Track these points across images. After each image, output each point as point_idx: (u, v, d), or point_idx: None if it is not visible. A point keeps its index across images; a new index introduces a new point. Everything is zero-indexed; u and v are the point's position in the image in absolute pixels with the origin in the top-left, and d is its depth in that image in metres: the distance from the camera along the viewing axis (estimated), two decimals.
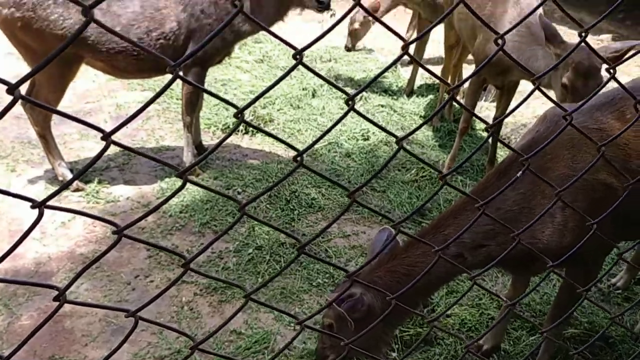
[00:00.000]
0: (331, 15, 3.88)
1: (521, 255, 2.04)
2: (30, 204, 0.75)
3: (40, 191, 3.87)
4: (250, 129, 4.84)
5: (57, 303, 0.80)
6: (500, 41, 1.07)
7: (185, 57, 0.83)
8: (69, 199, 3.82)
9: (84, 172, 0.77)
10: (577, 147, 2.18)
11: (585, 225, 1.81)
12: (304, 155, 0.94)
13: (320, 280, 3.38)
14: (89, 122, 0.75)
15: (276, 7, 3.85)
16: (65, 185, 0.83)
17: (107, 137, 0.72)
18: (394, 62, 1.05)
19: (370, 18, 6.35)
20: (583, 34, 1.18)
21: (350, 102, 0.90)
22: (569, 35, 8.19)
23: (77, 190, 3.90)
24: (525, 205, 2.17)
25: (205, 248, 0.91)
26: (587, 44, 1.21)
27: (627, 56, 2.00)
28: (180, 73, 0.82)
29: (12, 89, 0.59)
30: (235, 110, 0.82)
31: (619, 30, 8.25)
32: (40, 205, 0.70)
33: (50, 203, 0.74)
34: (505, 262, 1.84)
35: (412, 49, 6.50)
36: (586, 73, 3.04)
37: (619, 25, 8.29)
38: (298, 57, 0.83)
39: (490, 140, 4.61)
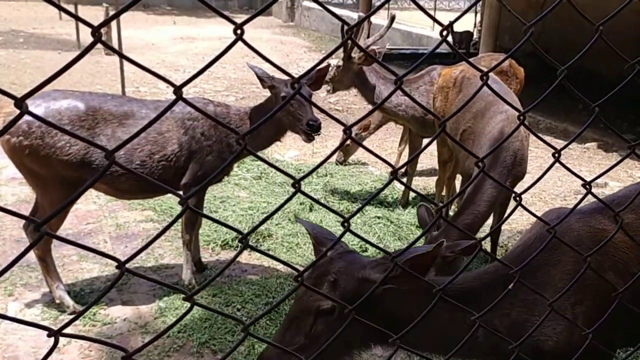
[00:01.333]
0: (317, 135, 4.06)
1: (530, 355, 2.01)
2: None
3: (36, 315, 3.82)
4: (249, 243, 4.87)
5: None
6: (480, 164, 1.15)
7: (195, 190, 0.89)
8: (65, 322, 3.76)
9: (99, 300, 0.80)
10: (584, 245, 2.21)
11: (594, 324, 1.82)
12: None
13: None
14: (104, 252, 0.80)
15: (274, 131, 4.04)
16: (77, 316, 0.86)
17: (121, 265, 0.76)
18: (383, 188, 1.12)
19: (363, 134, 6.64)
20: (556, 155, 1.27)
21: (345, 224, 0.96)
22: (555, 144, 8.51)
23: (73, 313, 3.85)
24: (538, 298, 2.15)
25: None
26: (561, 163, 1.30)
27: (610, 166, 2.13)
28: (183, 194, 0.88)
29: (38, 226, 0.64)
30: (239, 235, 0.87)
31: (603, 138, 8.58)
32: (55, 334, 0.73)
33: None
34: None
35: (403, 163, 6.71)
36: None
37: (603, 134, 8.63)
38: (297, 185, 0.90)
39: (489, 247, 4.66)
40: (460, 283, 2.12)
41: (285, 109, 3.86)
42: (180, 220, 4.35)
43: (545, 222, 1.47)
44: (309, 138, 3.95)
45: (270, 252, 4.86)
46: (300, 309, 1.87)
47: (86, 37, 13.03)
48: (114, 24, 8.61)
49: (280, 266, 4.68)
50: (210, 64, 0.81)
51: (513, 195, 1.29)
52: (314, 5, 20.38)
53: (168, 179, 3.84)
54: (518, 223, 5.65)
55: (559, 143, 8.38)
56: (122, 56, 0.75)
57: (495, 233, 4.67)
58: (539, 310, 2.10)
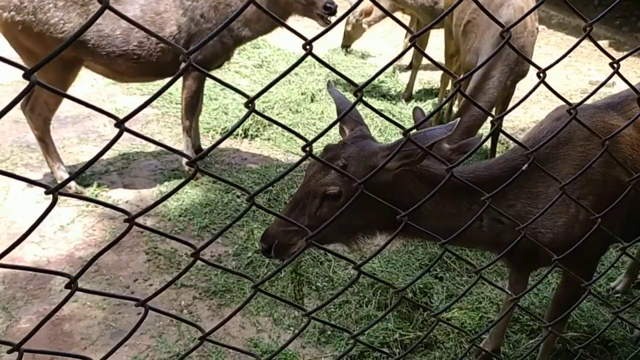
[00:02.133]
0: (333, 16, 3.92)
1: (528, 245, 2.05)
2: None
3: (39, 194, 3.86)
4: (250, 132, 4.85)
5: (69, 290, 0.80)
6: (505, 34, 1.08)
7: (200, 44, 0.83)
8: (67, 202, 3.82)
9: (95, 161, 0.77)
10: (592, 139, 2.18)
11: (595, 220, 1.83)
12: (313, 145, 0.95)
13: (320, 283, 3.38)
14: (102, 109, 0.76)
15: (278, 14, 3.87)
16: (73, 177, 0.83)
17: (120, 123, 0.72)
18: (404, 52, 1.06)
19: (363, 22, 6.37)
20: (587, 28, 1.20)
21: (358, 94, 0.91)
22: (567, 41, 8.23)
23: (76, 193, 3.89)
24: (543, 191, 2.17)
25: (215, 237, 0.92)
26: (590, 37, 1.23)
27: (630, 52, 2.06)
28: (185, 68, 0.82)
29: (28, 73, 0.59)
30: (245, 100, 0.83)
31: (616, 36, 8.32)
32: (53, 192, 0.71)
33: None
34: (511, 253, 1.84)
35: (409, 55, 6.52)
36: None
37: (616, 32, 8.36)
38: (308, 47, 0.84)
39: (489, 142, 4.66)
40: (470, 172, 2.12)
41: None
42: (180, 106, 4.30)
43: (567, 102, 1.41)
44: (325, 22, 3.84)
45: (271, 142, 4.84)
46: (307, 192, 1.87)
47: None
48: None
49: (280, 155, 4.68)
50: None
51: (537, 71, 1.22)
52: None
53: (167, 62, 3.73)
54: (521, 121, 5.60)
55: (571, 40, 8.12)
56: None
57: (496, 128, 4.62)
58: (542, 203, 2.11)
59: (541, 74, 1.18)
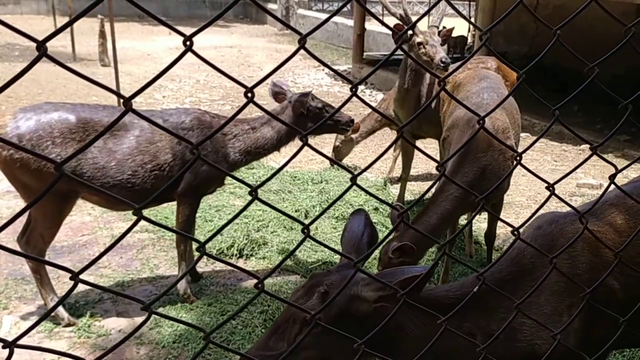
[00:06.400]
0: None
1: (526, 357, 2.01)
2: (24, 344, 0.77)
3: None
4: (245, 252, 4.88)
5: None
6: (440, 169, 1.16)
7: (147, 202, 0.89)
8: (59, 334, 3.76)
9: (51, 312, 0.80)
10: (577, 247, 2.21)
11: (591, 328, 1.82)
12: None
13: None
14: (54, 263, 0.80)
15: (287, 138, 4.16)
16: (32, 327, 0.86)
17: (75, 276, 0.76)
18: (344, 193, 1.12)
19: (353, 137, 6.65)
20: (518, 158, 1.28)
21: (305, 231, 0.96)
22: (550, 147, 8.49)
23: (68, 325, 3.84)
24: (534, 301, 2.15)
25: None
26: (522, 166, 1.30)
27: (572, 169, 2.14)
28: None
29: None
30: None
31: (598, 139, 8.59)
32: (10, 345, 0.73)
33: (24, 342, 0.77)
34: None
35: (398, 169, 6.71)
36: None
37: (598, 135, 8.65)
38: (254, 193, 0.91)
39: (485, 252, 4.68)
40: (457, 289, 2.11)
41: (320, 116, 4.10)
42: (176, 229, 4.36)
43: (510, 224, 1.47)
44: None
45: (266, 260, 4.85)
46: (287, 317, 1.87)
47: (81, 49, 13.07)
48: (109, 35, 8.57)
49: (275, 274, 4.67)
50: (160, 75, 0.82)
51: (546, 185, 1.29)
52: (309, 13, 20.49)
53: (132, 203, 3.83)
54: (514, 226, 5.65)
55: (553, 145, 8.40)
56: (67, 69, 0.76)
57: (489, 237, 4.67)
58: (535, 313, 2.10)
59: (550, 188, 1.24)
